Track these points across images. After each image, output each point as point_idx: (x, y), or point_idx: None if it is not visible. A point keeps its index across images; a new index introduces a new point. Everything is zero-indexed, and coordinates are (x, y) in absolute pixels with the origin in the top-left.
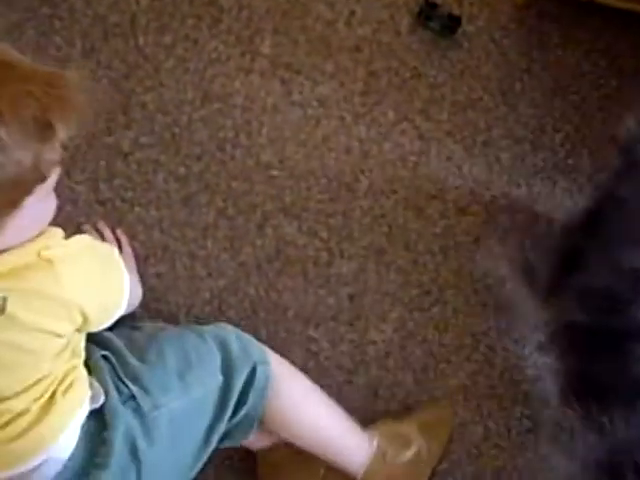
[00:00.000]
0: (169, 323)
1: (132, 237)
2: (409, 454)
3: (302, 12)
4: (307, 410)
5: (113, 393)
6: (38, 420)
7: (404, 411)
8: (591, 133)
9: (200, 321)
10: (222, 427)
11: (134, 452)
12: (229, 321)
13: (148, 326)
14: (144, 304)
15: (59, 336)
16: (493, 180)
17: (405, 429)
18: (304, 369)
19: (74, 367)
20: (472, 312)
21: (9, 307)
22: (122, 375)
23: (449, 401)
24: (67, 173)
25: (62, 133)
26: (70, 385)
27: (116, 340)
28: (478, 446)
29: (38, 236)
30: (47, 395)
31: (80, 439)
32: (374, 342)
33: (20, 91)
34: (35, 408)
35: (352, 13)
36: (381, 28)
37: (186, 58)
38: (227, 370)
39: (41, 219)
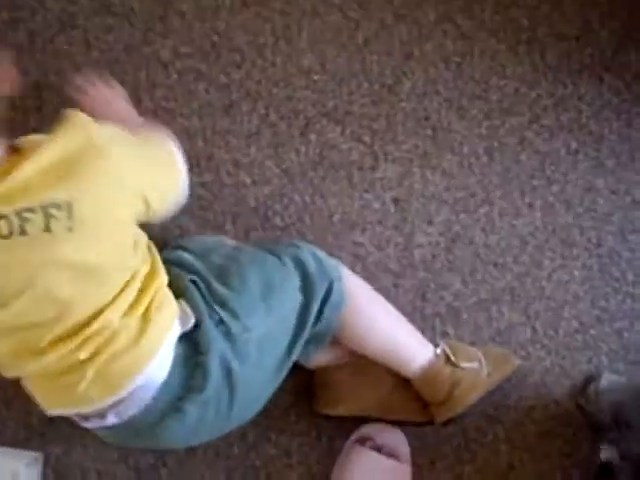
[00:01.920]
0: (216, 233)
1: None
2: (472, 365)
3: None
4: (376, 318)
5: (205, 317)
6: (138, 335)
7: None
8: (639, 28)
9: (248, 230)
10: (302, 342)
11: (228, 374)
12: (275, 228)
13: (224, 248)
14: (191, 213)
15: (125, 223)
16: (538, 79)
17: (472, 349)
18: None
19: (160, 287)
20: (519, 213)
21: (76, 212)
22: (210, 300)
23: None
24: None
25: None
26: (161, 303)
27: (198, 263)
28: (525, 347)
29: None
30: (142, 309)
31: (174, 363)
32: (420, 245)
33: None
34: (134, 323)
35: None
36: None
37: None
38: (306, 289)
39: None
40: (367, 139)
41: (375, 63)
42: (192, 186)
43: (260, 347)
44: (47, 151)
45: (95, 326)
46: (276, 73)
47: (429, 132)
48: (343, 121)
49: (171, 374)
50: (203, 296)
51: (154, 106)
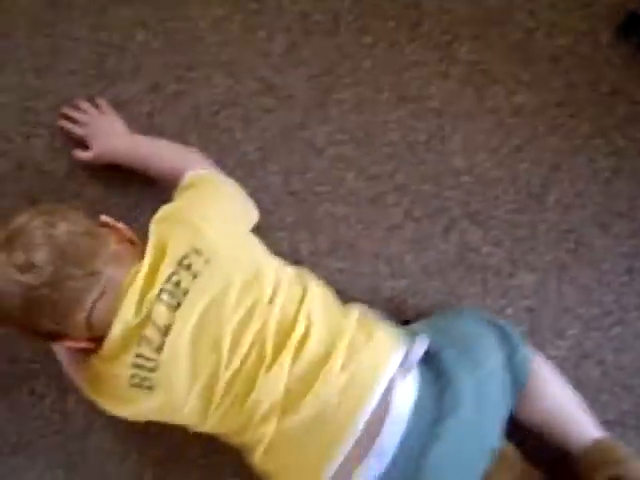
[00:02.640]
0: None
1: (319, 231)
2: None
3: (502, 19)
4: (555, 383)
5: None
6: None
7: None
8: None
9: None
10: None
11: (478, 406)
12: (407, 322)
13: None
14: None
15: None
16: None
17: None
18: None
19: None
20: None
21: (203, 249)
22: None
23: None
24: (262, 163)
25: None
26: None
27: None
28: None
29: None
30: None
31: (419, 386)
32: (549, 357)
33: None
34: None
35: (553, 23)
36: (581, 39)
37: (385, 59)
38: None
39: None
40: (508, 245)
41: (524, 171)
42: (330, 271)
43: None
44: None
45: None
46: (425, 170)
47: (570, 245)
48: (486, 225)
49: (420, 395)
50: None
51: (303, 188)
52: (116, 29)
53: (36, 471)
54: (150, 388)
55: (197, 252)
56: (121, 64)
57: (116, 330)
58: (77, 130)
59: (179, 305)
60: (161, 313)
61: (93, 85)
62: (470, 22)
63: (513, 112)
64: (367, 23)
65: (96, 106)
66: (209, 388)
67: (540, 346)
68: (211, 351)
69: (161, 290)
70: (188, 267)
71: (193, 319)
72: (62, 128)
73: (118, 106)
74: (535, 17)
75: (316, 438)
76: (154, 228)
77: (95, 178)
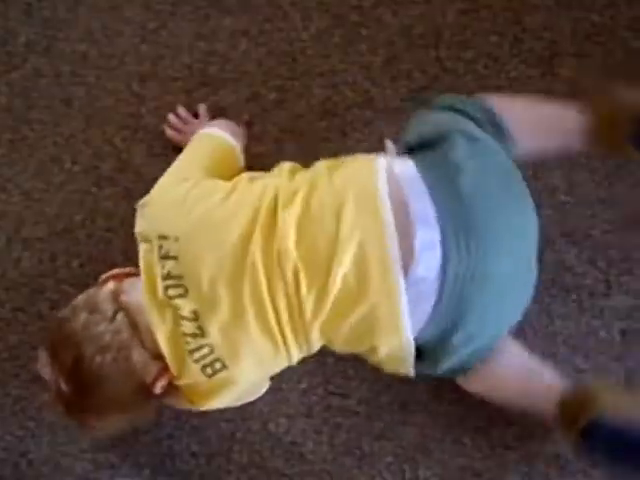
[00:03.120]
0: None
1: None
2: None
3: (606, 37)
4: None
5: None
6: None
7: None
8: None
9: None
10: None
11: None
12: None
13: None
14: None
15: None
16: None
17: None
18: None
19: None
20: None
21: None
22: None
23: None
24: None
25: None
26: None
27: None
28: None
29: None
30: None
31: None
32: None
33: None
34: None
35: None
36: None
37: (485, 75)
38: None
39: None
40: (603, 266)
41: (623, 192)
42: None
43: None
44: None
45: None
46: None
47: None
48: (582, 244)
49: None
50: None
51: None
52: (219, 38)
53: (123, 470)
54: (227, 366)
55: (164, 237)
56: (222, 72)
57: (164, 346)
58: (174, 136)
59: (187, 290)
60: (181, 305)
61: (194, 92)
62: (573, 38)
63: None
64: (468, 38)
65: (195, 113)
66: (263, 318)
67: (633, 369)
68: (237, 302)
69: (165, 289)
70: (167, 255)
71: (205, 289)
72: (163, 133)
73: (218, 113)
74: (639, 35)
75: (370, 263)
76: (137, 239)
77: None
